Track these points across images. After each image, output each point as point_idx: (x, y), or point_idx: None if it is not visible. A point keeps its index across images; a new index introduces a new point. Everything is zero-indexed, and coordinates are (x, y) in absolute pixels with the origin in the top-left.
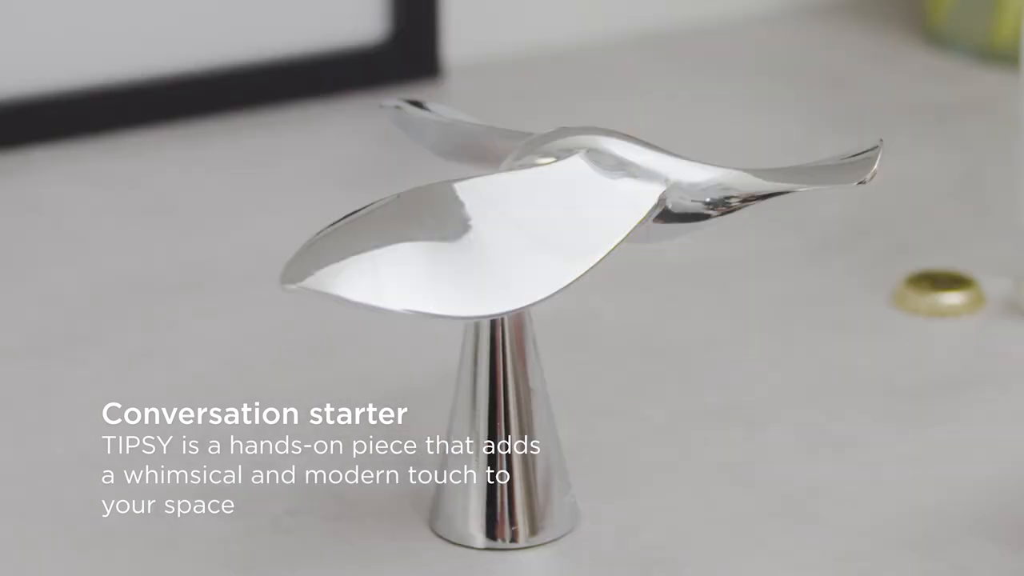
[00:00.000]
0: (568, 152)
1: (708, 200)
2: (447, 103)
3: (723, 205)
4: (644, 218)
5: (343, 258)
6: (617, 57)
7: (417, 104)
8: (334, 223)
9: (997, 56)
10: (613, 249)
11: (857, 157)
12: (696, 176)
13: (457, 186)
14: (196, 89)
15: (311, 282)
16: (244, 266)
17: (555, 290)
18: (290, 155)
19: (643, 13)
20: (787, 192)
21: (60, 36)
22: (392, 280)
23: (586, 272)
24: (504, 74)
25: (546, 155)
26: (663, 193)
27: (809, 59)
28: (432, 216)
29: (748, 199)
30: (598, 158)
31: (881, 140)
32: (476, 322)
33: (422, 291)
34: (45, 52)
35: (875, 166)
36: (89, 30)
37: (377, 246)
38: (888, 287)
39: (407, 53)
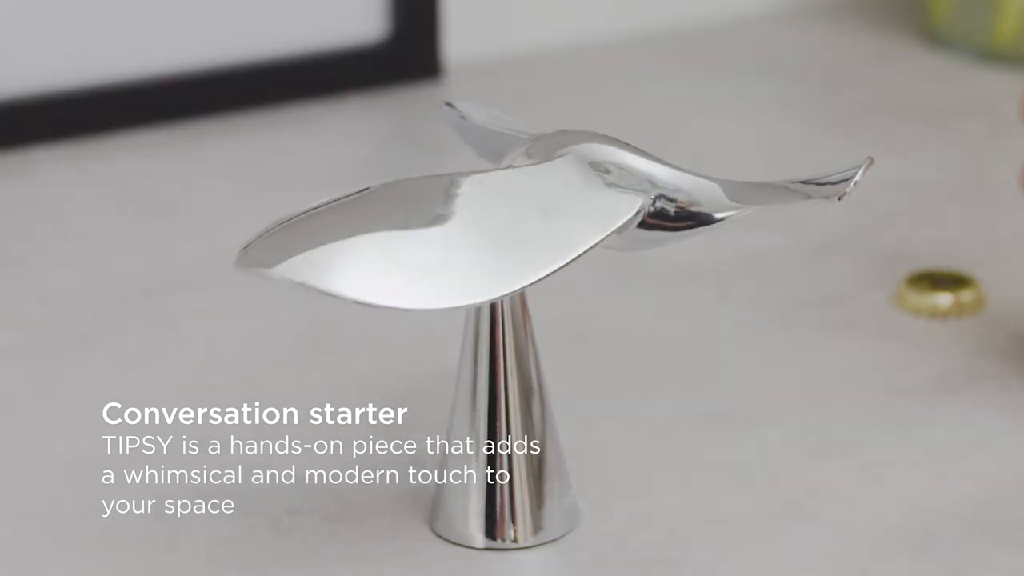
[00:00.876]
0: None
1: (691, 211)
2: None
3: (703, 217)
4: (620, 227)
5: (299, 246)
6: (617, 57)
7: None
8: (299, 212)
9: (997, 56)
10: (579, 256)
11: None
12: (682, 184)
13: (433, 180)
14: (196, 89)
15: (266, 269)
16: None
17: (507, 291)
18: (290, 155)
19: (643, 13)
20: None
21: (60, 36)
22: (345, 269)
23: (545, 277)
24: (504, 74)
25: (543, 159)
26: (642, 204)
27: (809, 59)
28: (402, 209)
29: (726, 215)
30: (585, 162)
31: (871, 159)
32: (476, 322)
33: (372, 282)
34: (45, 52)
35: (856, 178)
36: (89, 30)
37: (338, 236)
38: (888, 287)
39: (407, 53)
